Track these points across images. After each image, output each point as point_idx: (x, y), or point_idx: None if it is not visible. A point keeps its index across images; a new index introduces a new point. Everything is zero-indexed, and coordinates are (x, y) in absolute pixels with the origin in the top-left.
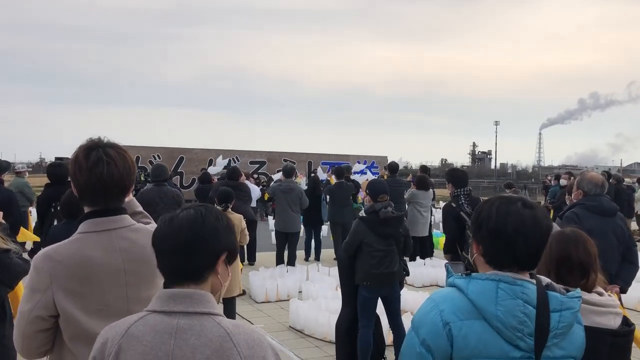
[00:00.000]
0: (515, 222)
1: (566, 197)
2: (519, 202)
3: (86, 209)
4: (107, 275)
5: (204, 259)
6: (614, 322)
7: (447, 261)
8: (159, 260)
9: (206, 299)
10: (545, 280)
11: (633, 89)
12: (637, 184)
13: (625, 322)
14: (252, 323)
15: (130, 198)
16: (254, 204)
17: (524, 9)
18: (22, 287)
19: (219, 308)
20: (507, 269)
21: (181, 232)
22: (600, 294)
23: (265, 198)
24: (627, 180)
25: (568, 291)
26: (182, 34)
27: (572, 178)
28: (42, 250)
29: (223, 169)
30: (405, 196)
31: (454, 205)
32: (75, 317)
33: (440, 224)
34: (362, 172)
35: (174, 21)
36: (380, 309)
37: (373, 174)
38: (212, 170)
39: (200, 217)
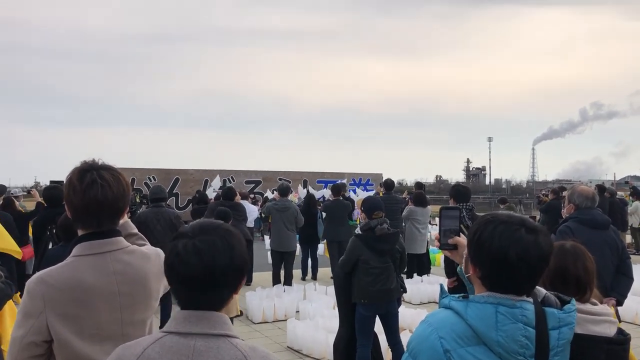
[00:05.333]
0: (518, 250)
1: (562, 210)
2: (522, 228)
3: (80, 232)
4: (101, 299)
5: (231, 288)
6: (610, 331)
7: (445, 279)
8: (176, 285)
9: (223, 321)
10: (541, 293)
11: (635, 101)
12: (630, 198)
13: (620, 331)
14: None
15: (125, 220)
16: (251, 223)
17: (514, 25)
18: (6, 310)
19: (235, 330)
20: (506, 292)
21: (210, 261)
22: (594, 304)
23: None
24: (619, 193)
25: (561, 300)
26: (174, 54)
27: (562, 193)
28: (36, 274)
29: (219, 188)
30: (403, 213)
31: None
32: (70, 341)
33: (437, 241)
34: (353, 191)
35: (167, 42)
36: (378, 327)
37: (368, 191)
38: (211, 190)
39: (226, 242)
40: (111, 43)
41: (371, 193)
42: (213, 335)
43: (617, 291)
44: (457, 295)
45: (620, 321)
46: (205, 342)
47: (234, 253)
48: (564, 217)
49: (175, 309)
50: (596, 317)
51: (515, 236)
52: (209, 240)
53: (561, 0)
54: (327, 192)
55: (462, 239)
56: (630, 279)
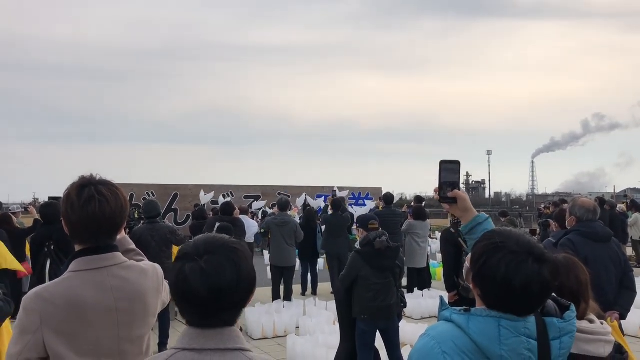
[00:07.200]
0: (523, 281)
1: (553, 224)
2: (529, 258)
3: (77, 247)
4: (98, 315)
5: (240, 305)
6: (604, 350)
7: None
8: (185, 307)
9: (236, 335)
10: None
11: (637, 113)
12: (631, 211)
13: (618, 350)
14: None
15: (122, 235)
16: (250, 239)
17: (512, 39)
18: (3, 328)
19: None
20: (504, 313)
21: (217, 284)
22: (591, 321)
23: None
24: (618, 205)
25: (560, 304)
26: (173, 71)
27: (564, 206)
28: (32, 290)
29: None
30: (402, 227)
31: (453, 231)
32: (66, 358)
33: (437, 254)
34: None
35: (165, 58)
36: (379, 342)
37: (366, 206)
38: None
39: (232, 262)
40: (109, 60)
41: (368, 208)
42: (228, 349)
43: (621, 305)
44: (458, 308)
45: (624, 334)
46: (220, 356)
47: (241, 272)
48: (554, 230)
49: (174, 325)
50: (589, 335)
51: (522, 267)
52: (214, 262)
53: (556, 14)
54: (322, 202)
55: (462, 193)
56: (633, 292)
